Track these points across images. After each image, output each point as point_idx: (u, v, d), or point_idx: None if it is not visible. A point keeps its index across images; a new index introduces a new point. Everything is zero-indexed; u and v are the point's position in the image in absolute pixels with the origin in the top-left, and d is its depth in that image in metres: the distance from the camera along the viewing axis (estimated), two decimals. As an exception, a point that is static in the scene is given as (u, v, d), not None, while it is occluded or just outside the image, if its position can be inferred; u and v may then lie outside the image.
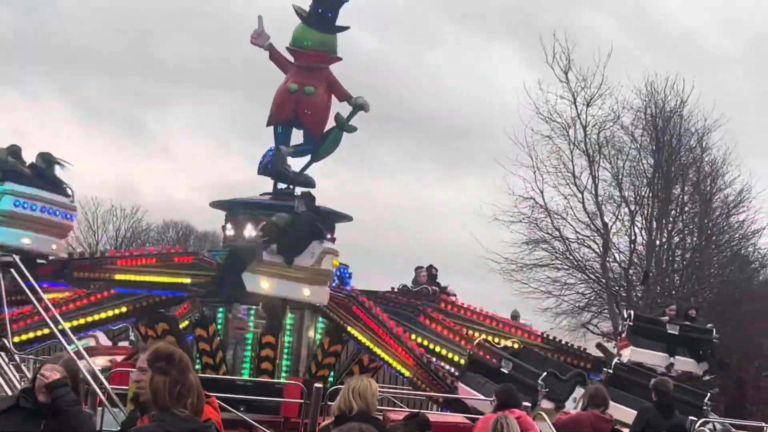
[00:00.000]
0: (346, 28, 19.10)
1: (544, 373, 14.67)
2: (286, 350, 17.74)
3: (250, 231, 18.51)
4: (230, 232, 19.14)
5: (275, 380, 15.38)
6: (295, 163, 19.65)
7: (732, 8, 61.80)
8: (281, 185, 19.37)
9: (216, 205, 20.00)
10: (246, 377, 17.29)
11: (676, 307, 21.57)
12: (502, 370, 15.09)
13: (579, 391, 14.56)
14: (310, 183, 19.66)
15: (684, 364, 19.07)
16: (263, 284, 15.19)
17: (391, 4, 69.13)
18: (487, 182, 65.32)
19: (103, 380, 11.04)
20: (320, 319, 18.28)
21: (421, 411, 11.83)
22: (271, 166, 19.04)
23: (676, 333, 18.95)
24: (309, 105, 19.01)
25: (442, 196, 74.79)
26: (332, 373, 17.99)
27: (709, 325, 20.15)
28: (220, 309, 18.14)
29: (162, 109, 77.41)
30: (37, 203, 16.13)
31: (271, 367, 17.05)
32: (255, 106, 74.08)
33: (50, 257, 16.89)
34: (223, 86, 76.04)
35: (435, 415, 14.58)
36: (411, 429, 9.15)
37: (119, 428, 7.33)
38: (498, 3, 69.81)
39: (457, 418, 15.88)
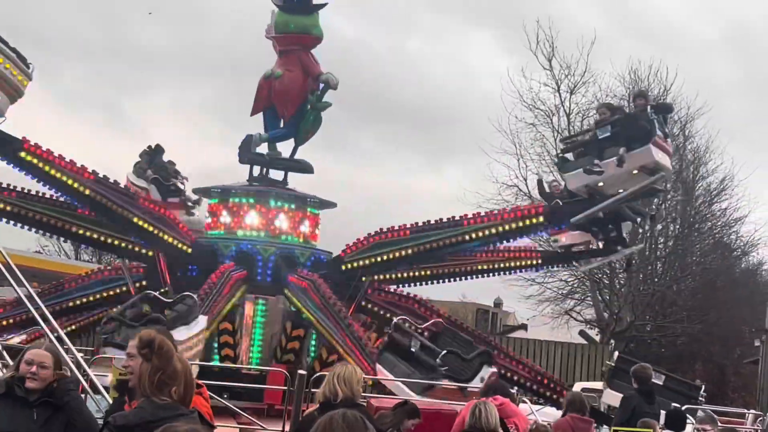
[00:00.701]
0: (324, 5, 19.10)
1: (443, 352, 14.66)
2: (258, 338, 17.78)
3: (252, 219, 18.48)
4: (225, 219, 18.93)
5: (260, 367, 15.34)
6: (284, 148, 19.68)
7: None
8: (256, 172, 19.41)
9: (199, 191, 19.93)
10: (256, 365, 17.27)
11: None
12: (411, 349, 15.15)
13: (486, 371, 14.60)
14: (307, 168, 19.63)
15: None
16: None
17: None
18: (470, 170, 65.48)
19: (86, 367, 10.97)
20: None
21: (410, 399, 11.80)
22: (240, 153, 19.03)
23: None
24: (279, 88, 18.99)
25: (424, 183, 74.84)
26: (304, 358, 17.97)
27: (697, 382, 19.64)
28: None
29: (140, 95, 76.95)
30: None
31: (233, 354, 17.03)
32: (234, 93, 73.89)
33: None
34: (201, 72, 75.71)
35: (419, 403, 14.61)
36: (400, 417, 9.13)
37: (102, 415, 7.28)
38: None
39: (441, 404, 15.88)
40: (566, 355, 32.79)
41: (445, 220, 17.70)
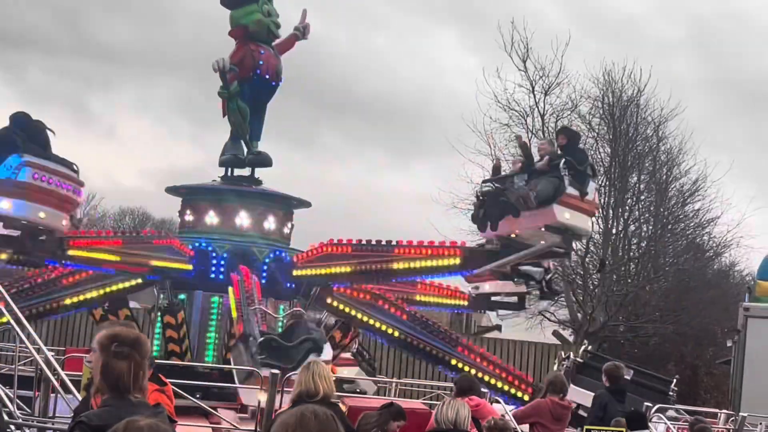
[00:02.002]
0: None
1: (260, 339, 14.51)
2: (212, 335, 17.89)
3: (211, 218, 18.45)
4: (189, 217, 19.01)
5: (232, 366, 15.24)
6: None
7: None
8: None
9: (171, 190, 19.84)
10: (210, 362, 17.27)
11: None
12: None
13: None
14: (265, 161, 19.55)
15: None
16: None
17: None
18: (439, 168, 65.23)
19: (57, 366, 10.88)
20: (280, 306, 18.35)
21: (395, 400, 11.78)
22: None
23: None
24: None
25: (392, 182, 74.70)
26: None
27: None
28: (181, 296, 18.07)
29: (106, 92, 76.45)
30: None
31: (179, 350, 17.09)
32: (201, 90, 73.57)
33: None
34: (167, 69, 75.35)
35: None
36: (385, 418, 9.10)
37: (72, 414, 7.21)
38: None
39: (416, 404, 15.87)
40: (540, 355, 32.87)
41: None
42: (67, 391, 10.22)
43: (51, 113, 75.82)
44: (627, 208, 38.43)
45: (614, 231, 37.92)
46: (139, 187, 71.80)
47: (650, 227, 38.99)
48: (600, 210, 37.52)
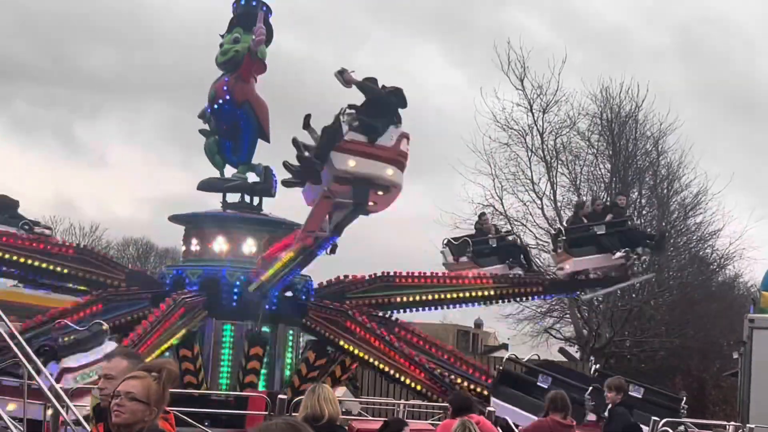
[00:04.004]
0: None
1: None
2: (265, 365, 17.72)
3: (220, 245, 18.48)
4: (195, 247, 18.98)
5: (238, 393, 15.30)
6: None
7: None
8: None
9: (175, 219, 19.91)
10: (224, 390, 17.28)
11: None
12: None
13: (109, 345, 14.14)
14: (241, 188, 19.68)
15: (619, 257, 19.38)
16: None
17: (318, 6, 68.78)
18: (433, 188, 64.65)
19: (66, 399, 10.90)
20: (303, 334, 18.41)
21: (398, 419, 11.81)
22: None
23: (604, 232, 19.12)
24: None
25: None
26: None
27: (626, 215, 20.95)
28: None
29: (93, 120, 76.39)
30: None
31: (257, 380, 17.02)
32: (188, 113, 73.46)
33: None
34: (152, 94, 75.38)
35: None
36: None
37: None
38: (423, 4, 69.82)
39: (424, 425, 15.88)
40: (547, 373, 32.82)
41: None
42: (78, 424, 10.22)
43: (40, 143, 76.03)
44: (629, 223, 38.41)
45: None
46: (133, 216, 71.69)
47: (653, 241, 38.95)
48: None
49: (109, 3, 72.56)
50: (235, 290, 17.75)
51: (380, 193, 15.30)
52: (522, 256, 20.52)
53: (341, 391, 20.58)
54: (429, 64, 73.58)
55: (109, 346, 14.54)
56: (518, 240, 22.72)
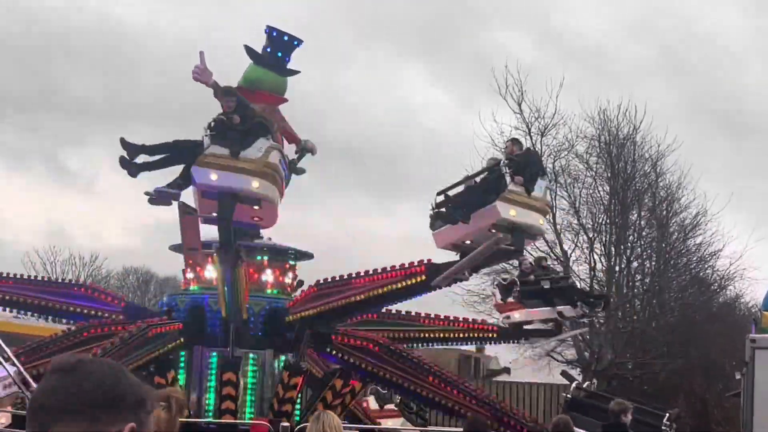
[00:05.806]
0: (298, 72, 18.72)
1: None
2: (249, 390, 17.66)
3: (210, 272, 18.48)
4: (190, 274, 19.04)
5: (241, 421, 15.25)
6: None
7: (633, 12, 62.37)
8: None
9: (176, 248, 19.90)
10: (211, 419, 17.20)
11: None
12: None
13: None
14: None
15: (566, 311, 19.77)
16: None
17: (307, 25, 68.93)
18: (422, 208, 64.57)
19: None
20: (281, 357, 18.30)
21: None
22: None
23: (549, 286, 19.84)
24: None
25: (375, 224, 74.00)
26: (297, 409, 17.94)
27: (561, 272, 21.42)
28: (182, 353, 18.02)
29: (81, 146, 76.18)
30: None
31: (234, 407, 16.94)
32: (175, 137, 73.31)
33: None
34: (138, 119, 75.24)
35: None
36: None
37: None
38: (407, 24, 69.90)
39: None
40: (549, 396, 32.79)
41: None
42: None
43: (28, 170, 75.88)
44: (629, 245, 38.51)
45: (617, 268, 37.98)
46: (127, 244, 71.43)
47: (653, 263, 39.05)
48: (603, 247, 37.61)
49: (93, 28, 72.68)
50: (218, 318, 17.57)
51: (256, 207, 14.93)
52: (575, 298, 20.58)
53: (399, 422, 20.91)
54: (413, 83, 73.71)
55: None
56: (573, 282, 23.10)
